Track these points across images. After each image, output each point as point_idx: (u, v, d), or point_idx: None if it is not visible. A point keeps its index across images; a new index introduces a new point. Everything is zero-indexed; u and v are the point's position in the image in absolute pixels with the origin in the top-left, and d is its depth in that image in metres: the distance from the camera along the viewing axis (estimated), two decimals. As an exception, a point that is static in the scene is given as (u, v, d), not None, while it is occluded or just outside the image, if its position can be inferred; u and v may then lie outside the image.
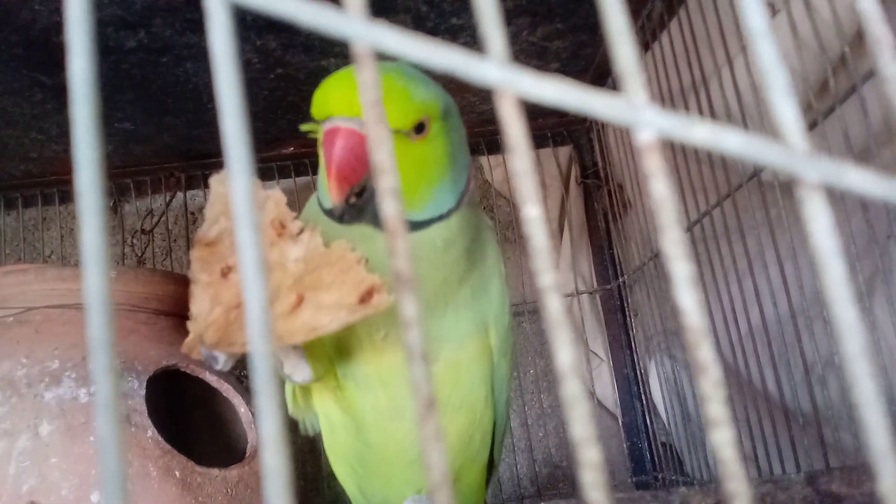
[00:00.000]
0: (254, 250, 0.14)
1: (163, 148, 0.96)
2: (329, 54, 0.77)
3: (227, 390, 0.77)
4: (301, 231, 0.39)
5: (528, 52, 0.84)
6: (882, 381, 0.52)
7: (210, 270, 0.40)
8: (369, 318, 0.36)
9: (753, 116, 0.66)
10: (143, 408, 0.66)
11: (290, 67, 0.78)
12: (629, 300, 1.06)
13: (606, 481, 0.13)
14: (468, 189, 0.45)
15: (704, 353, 0.13)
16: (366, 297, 0.36)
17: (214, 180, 0.41)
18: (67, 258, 1.09)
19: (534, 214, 0.14)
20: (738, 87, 0.65)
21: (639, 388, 1.04)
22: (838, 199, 0.56)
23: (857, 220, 0.55)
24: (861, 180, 0.15)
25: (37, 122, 0.84)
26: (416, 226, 0.43)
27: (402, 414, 0.45)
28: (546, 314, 0.13)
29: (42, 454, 0.61)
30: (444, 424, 0.45)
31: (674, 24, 0.77)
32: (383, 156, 0.14)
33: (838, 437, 0.57)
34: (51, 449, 0.61)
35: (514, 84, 0.15)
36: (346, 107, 0.40)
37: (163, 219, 1.07)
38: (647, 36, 0.82)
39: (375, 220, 0.41)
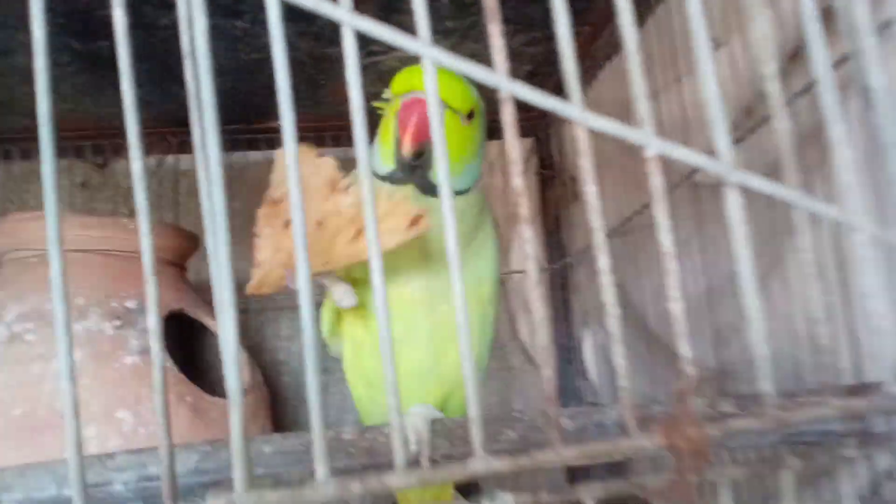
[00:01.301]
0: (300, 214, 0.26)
1: (163, 113, 1.04)
2: (335, 44, 0.87)
3: (225, 334, 0.87)
4: (349, 186, 0.51)
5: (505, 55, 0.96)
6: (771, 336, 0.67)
7: (273, 224, 0.51)
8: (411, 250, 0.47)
9: (693, 127, 0.80)
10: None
11: (299, 52, 0.88)
12: (571, 279, 1.21)
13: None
14: (482, 177, 0.57)
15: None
16: (414, 223, 0.48)
17: (280, 152, 0.52)
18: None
19: (592, 190, 0.26)
20: (685, 102, 0.79)
21: (571, 355, 1.18)
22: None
23: (762, 218, 0.70)
24: (759, 183, 0.28)
25: (54, 82, 0.91)
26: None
27: (416, 341, 0.56)
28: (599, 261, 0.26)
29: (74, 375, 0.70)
30: (450, 350, 0.57)
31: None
32: (437, 129, 0.26)
33: (736, 388, 0.72)
34: (81, 371, 0.70)
35: (512, 90, 0.27)
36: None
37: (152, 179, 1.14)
38: (609, 49, 0.95)
39: (421, 184, 0.53)
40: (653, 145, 0.27)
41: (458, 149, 0.53)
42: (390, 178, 0.53)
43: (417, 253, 0.54)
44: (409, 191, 0.52)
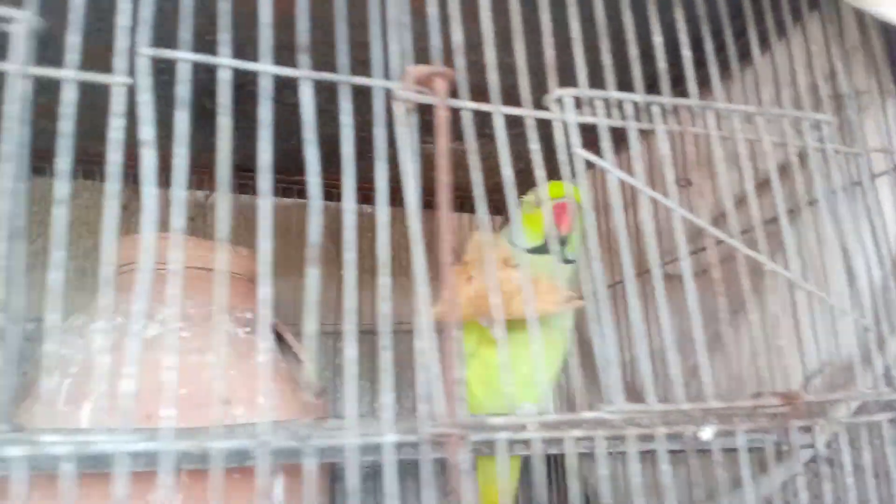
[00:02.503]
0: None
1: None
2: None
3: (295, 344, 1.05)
4: (516, 264, 0.75)
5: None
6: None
7: (460, 276, 0.74)
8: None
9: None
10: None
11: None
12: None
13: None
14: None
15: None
16: (568, 300, 0.73)
17: (475, 236, 0.76)
18: None
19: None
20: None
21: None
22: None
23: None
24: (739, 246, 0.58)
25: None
26: (569, 262, 0.81)
27: (527, 360, 0.79)
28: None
29: (224, 367, 0.85)
30: (548, 368, 0.83)
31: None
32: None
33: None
34: (229, 366, 0.85)
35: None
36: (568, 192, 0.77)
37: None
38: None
39: (558, 255, 0.77)
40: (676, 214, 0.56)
41: (576, 234, 0.80)
42: (535, 251, 0.79)
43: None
44: (551, 258, 0.78)
